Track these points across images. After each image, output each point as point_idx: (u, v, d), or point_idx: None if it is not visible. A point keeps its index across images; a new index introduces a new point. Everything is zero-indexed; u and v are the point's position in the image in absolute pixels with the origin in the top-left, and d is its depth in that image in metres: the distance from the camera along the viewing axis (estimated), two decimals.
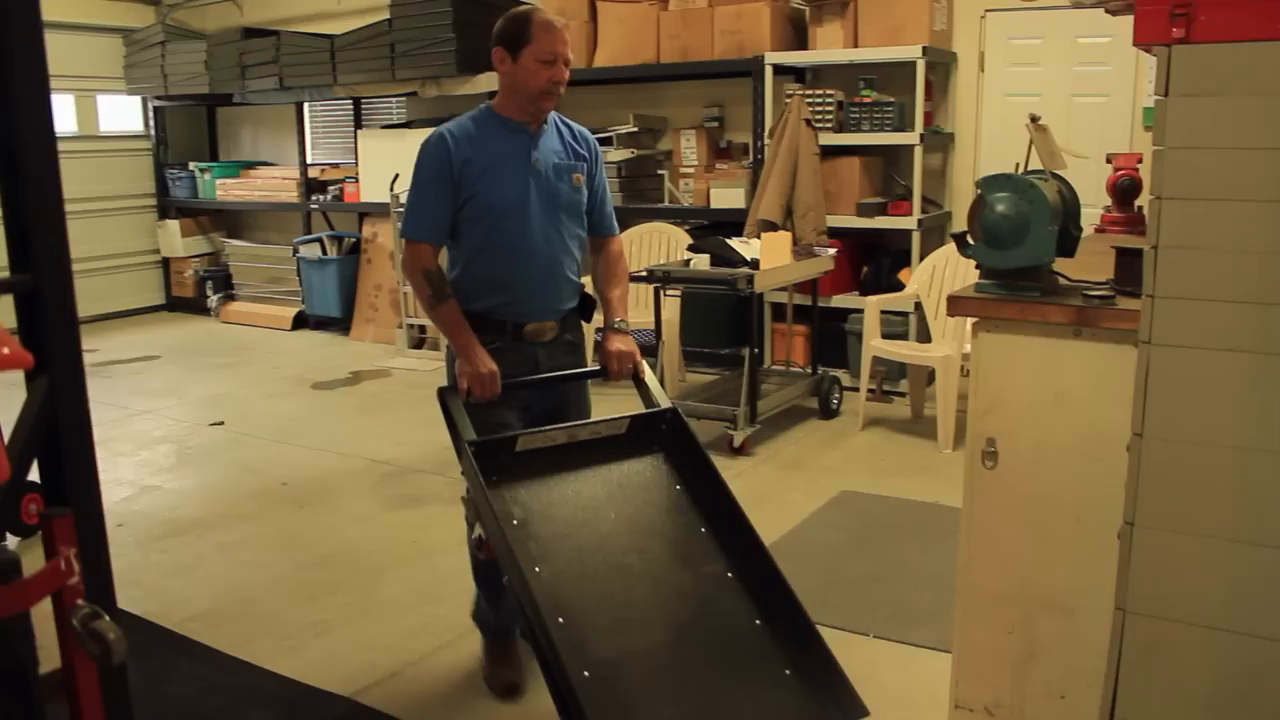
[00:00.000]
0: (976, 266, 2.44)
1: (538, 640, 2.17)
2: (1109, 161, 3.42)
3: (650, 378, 2.84)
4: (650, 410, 2.70)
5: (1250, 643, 1.79)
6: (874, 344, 5.27)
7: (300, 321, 8.36)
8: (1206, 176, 1.75)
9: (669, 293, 5.46)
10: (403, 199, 6.94)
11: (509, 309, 2.82)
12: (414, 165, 2.78)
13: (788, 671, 2.28)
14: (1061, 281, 2.44)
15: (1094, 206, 3.45)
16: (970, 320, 2.51)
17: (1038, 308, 2.34)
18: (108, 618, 1.20)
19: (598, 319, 3.00)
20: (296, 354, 7.58)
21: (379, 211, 7.63)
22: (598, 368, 2.88)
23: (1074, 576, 2.41)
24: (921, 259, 5.60)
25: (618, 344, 2.86)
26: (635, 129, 6.73)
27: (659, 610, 2.37)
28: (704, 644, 2.33)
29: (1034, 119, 2.42)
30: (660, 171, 6.75)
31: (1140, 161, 3.36)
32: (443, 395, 2.65)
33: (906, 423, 5.48)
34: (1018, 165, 2.43)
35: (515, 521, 2.36)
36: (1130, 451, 1.86)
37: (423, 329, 7.41)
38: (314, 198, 8.33)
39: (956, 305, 2.45)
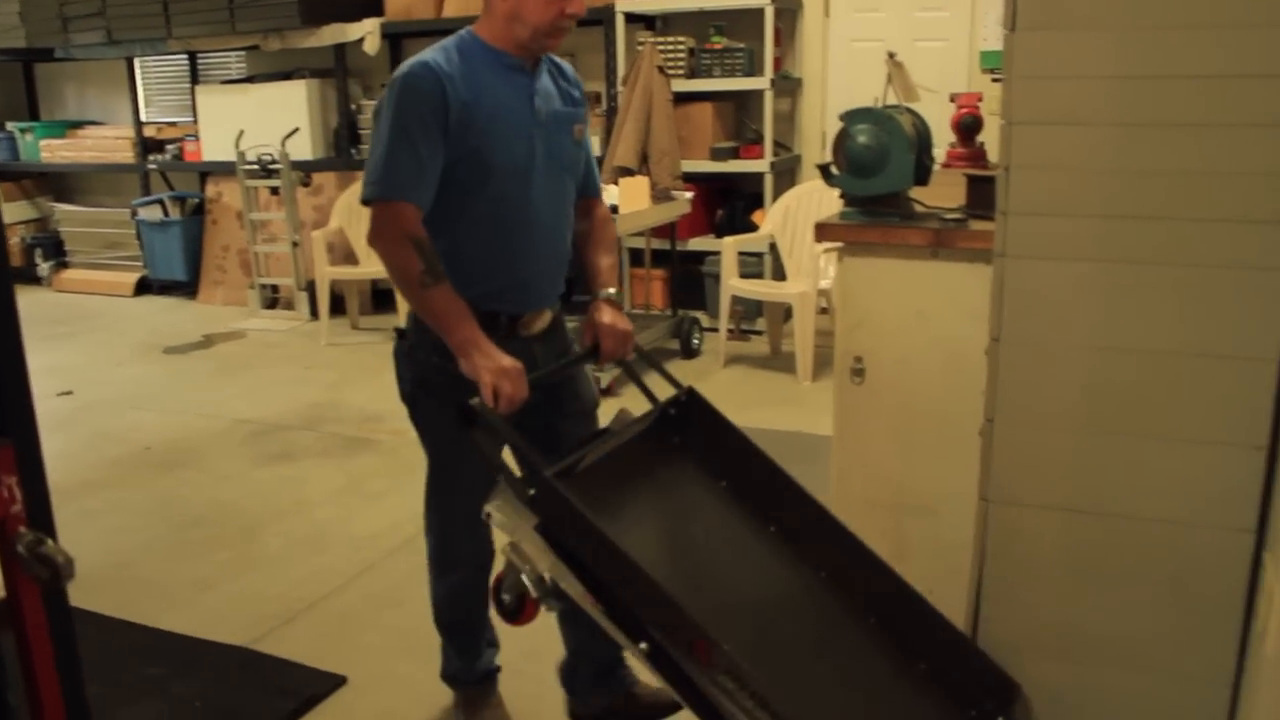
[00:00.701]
0: (841, 195, 2.60)
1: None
2: (952, 101, 3.62)
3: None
4: (671, 397, 2.23)
5: (1099, 520, 2.00)
6: (732, 284, 5.44)
7: (143, 287, 8.05)
8: (1050, 103, 1.91)
9: None
10: (250, 156, 6.87)
11: (505, 297, 2.25)
12: (388, 105, 2.11)
13: (923, 666, 2.07)
14: (918, 208, 2.62)
15: (938, 146, 3.67)
16: (828, 249, 2.67)
17: (898, 231, 2.51)
18: (53, 542, 1.23)
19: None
20: (142, 320, 7.33)
21: (223, 170, 7.39)
22: (586, 351, 2.30)
23: (937, 481, 2.62)
24: (774, 200, 5.79)
25: (612, 318, 2.28)
26: None
27: (795, 635, 2.07)
28: (844, 659, 2.08)
29: (891, 56, 2.58)
30: None
31: (980, 100, 3.58)
32: (471, 412, 1.95)
33: (766, 359, 5.70)
34: (876, 99, 2.58)
35: None
36: (989, 355, 2.04)
37: (275, 289, 7.25)
38: (151, 158, 7.99)
39: (823, 232, 2.60)
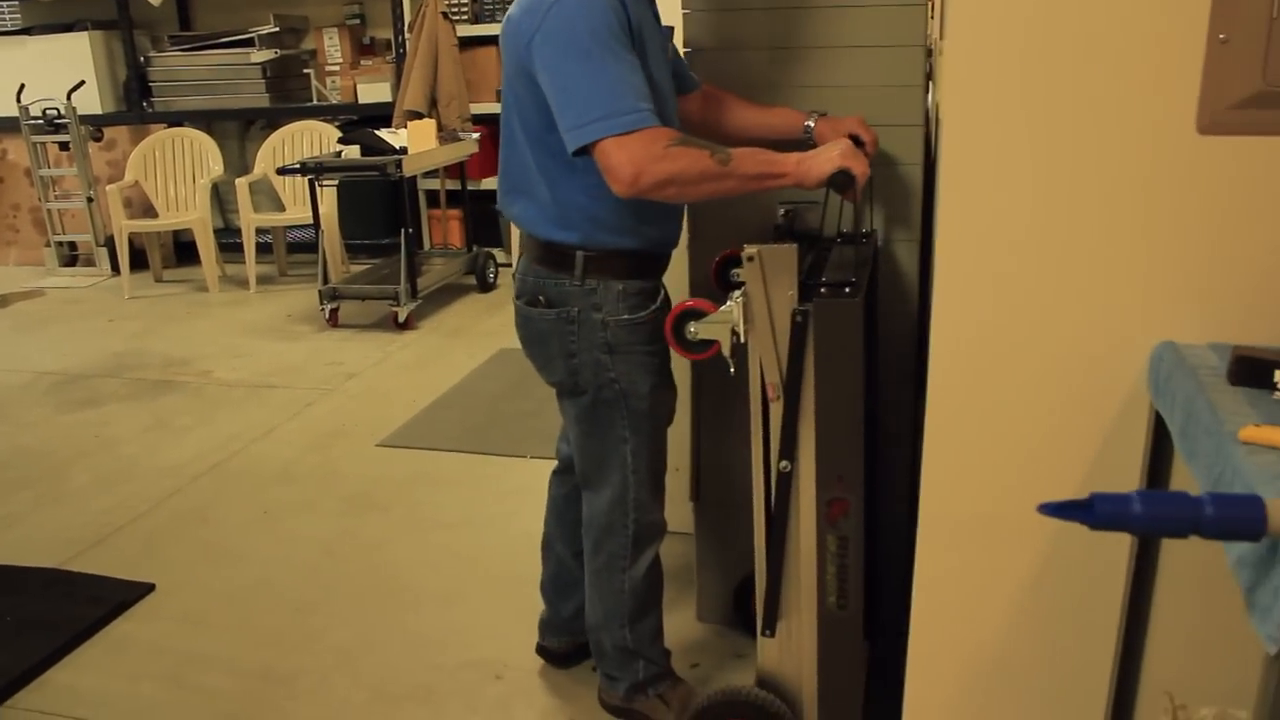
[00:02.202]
0: None
1: None
2: None
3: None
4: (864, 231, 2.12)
5: None
6: None
7: None
8: (721, 31, 2.32)
9: (325, 183, 5.68)
10: (34, 111, 6.76)
11: (673, 238, 2.10)
12: (572, 27, 1.77)
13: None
14: None
15: None
16: None
17: None
18: None
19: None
20: None
21: (5, 127, 7.23)
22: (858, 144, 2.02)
23: None
24: None
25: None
26: (277, 29, 6.78)
27: None
28: None
29: None
30: (305, 71, 6.86)
31: None
32: (846, 179, 1.78)
33: None
34: None
35: None
36: None
37: (73, 246, 7.18)
38: None
39: None
